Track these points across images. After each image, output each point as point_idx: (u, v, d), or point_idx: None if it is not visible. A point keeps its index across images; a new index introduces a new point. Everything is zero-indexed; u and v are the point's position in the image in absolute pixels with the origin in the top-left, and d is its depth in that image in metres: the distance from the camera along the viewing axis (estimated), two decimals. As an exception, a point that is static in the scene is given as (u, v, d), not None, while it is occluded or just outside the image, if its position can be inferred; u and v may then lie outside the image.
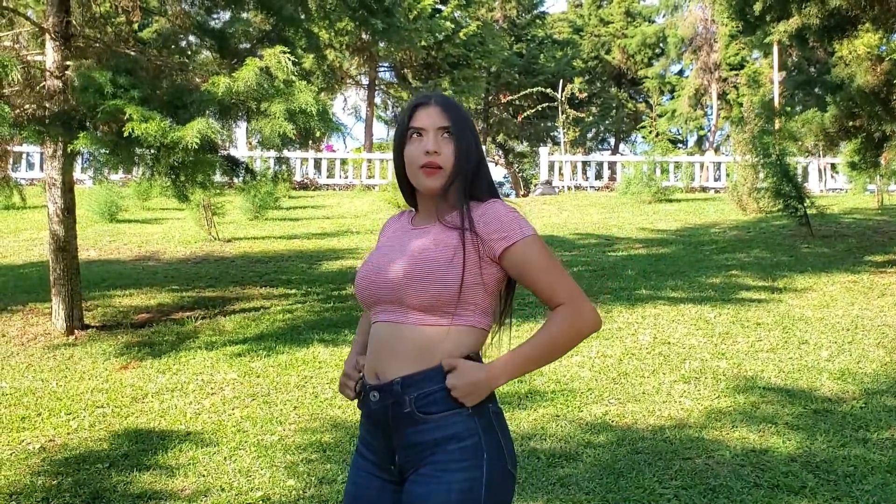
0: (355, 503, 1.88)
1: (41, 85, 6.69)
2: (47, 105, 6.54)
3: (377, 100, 27.50)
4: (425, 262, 1.79)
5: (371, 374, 1.85)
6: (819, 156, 17.78)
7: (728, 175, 18.17)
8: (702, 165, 20.52)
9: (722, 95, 31.24)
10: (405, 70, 25.07)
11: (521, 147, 36.03)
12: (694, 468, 3.91)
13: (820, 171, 19.01)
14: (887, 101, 8.62)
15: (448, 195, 1.87)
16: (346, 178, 20.07)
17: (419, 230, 1.89)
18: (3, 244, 11.40)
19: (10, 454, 4.33)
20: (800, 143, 10.02)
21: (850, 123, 9.05)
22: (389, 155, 21.07)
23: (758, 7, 8.77)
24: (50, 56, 6.63)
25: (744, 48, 28.52)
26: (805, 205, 10.65)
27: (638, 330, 6.45)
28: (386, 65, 26.11)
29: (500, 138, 34.89)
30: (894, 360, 5.55)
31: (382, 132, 34.44)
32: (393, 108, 29.89)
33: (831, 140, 9.44)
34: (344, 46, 22.60)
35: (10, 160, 13.58)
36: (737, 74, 30.40)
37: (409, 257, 1.82)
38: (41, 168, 17.44)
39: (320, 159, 20.09)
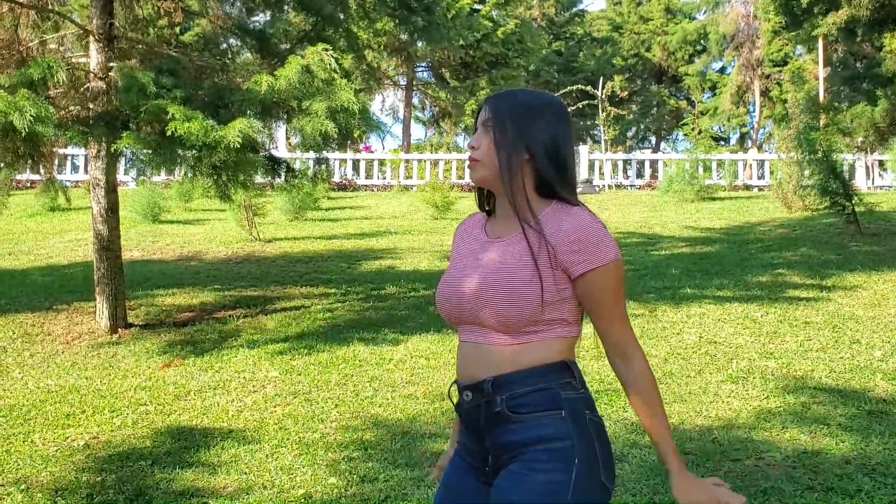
0: (448, 496, 1.86)
1: (85, 86, 6.77)
2: (91, 106, 6.61)
3: (415, 100, 27.54)
4: (502, 282, 1.74)
5: (464, 377, 1.82)
6: (867, 152, 17.37)
7: (772, 173, 17.84)
8: (745, 163, 20.19)
9: (765, 92, 30.75)
10: (443, 70, 25.04)
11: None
12: (744, 470, 3.81)
13: (867, 167, 18.59)
14: (940, 94, 8.38)
15: (519, 199, 1.79)
16: (385, 178, 20.10)
17: (495, 242, 1.83)
18: (49, 245, 11.59)
19: (56, 450, 4.37)
20: (848, 138, 9.78)
21: (902, 118, 8.81)
22: (427, 155, 21.09)
23: (804, 0, 8.57)
24: (94, 58, 6.70)
25: (787, 44, 28.02)
26: (853, 202, 10.40)
27: (683, 329, 6.33)
28: (423, 65, 26.11)
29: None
30: (951, 361, 5.36)
31: (420, 133, 34.52)
32: (430, 108, 29.89)
33: (882, 135, 9.21)
34: (382, 47, 22.64)
35: (56, 162, 13.83)
36: (780, 71, 29.89)
37: (486, 275, 1.77)
38: (85, 170, 17.74)
39: (358, 160, 20.14)
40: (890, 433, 4.18)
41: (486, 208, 1.93)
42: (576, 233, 1.72)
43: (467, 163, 1.84)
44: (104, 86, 6.59)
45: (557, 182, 1.79)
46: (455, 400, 1.85)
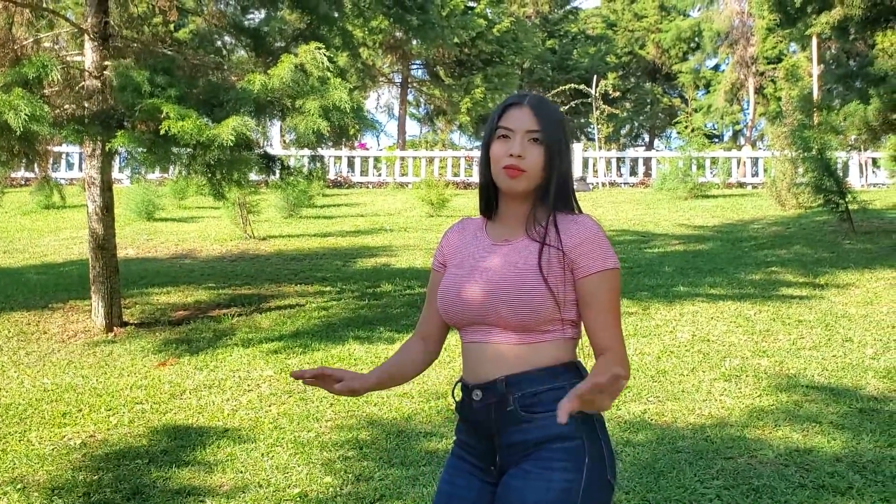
0: (451, 499, 1.87)
1: (80, 85, 6.77)
2: (86, 105, 6.62)
3: (409, 97, 27.51)
4: (516, 282, 1.77)
5: (473, 376, 1.83)
6: (860, 150, 17.43)
7: (766, 170, 17.90)
8: (739, 161, 20.23)
9: (759, 90, 30.78)
10: (437, 67, 25.03)
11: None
12: (736, 468, 3.84)
13: (861, 165, 18.65)
14: (932, 93, 8.43)
15: (537, 205, 1.83)
16: (380, 175, 20.10)
17: (503, 245, 1.85)
18: (44, 243, 11.58)
19: (52, 449, 4.38)
20: (841, 136, 9.82)
21: (894, 116, 8.85)
22: (422, 153, 21.08)
23: (798, -1, 8.61)
24: (89, 56, 6.70)
25: (781, 41, 28.05)
26: (846, 200, 10.44)
27: (676, 327, 6.36)
28: (418, 62, 26.10)
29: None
30: (942, 358, 5.40)
31: (415, 130, 34.49)
32: (425, 105, 29.89)
33: (874, 133, 9.25)
34: (377, 44, 22.63)
35: (51, 160, 13.80)
36: (774, 68, 29.92)
37: (501, 278, 1.79)
38: (80, 168, 17.71)
39: (353, 157, 20.14)
40: (881, 431, 4.22)
41: (488, 211, 1.93)
42: (584, 236, 1.78)
43: (505, 168, 1.80)
44: (99, 84, 6.59)
45: (572, 193, 1.87)
46: (458, 399, 1.86)
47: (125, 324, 7.08)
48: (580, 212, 1.86)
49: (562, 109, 1.97)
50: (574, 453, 1.72)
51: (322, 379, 1.88)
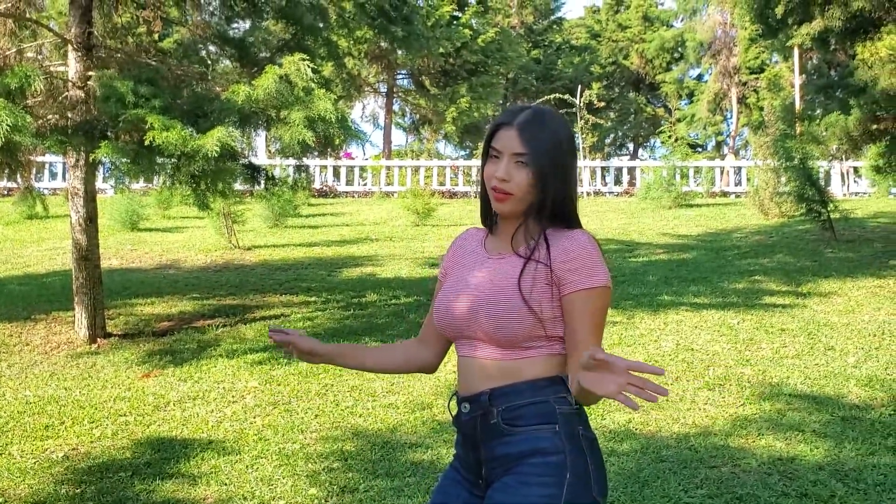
0: None
1: (63, 95, 6.74)
2: (70, 115, 6.59)
3: (395, 107, 27.55)
4: (495, 297, 1.77)
5: (463, 389, 1.85)
6: (842, 160, 17.60)
7: (749, 179, 18.02)
8: (722, 170, 20.38)
9: (741, 99, 31.03)
10: (423, 77, 25.09)
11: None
12: (720, 476, 3.86)
13: (843, 174, 18.83)
14: (912, 103, 8.52)
15: (529, 222, 1.82)
16: (365, 185, 20.10)
17: (495, 259, 1.85)
18: (27, 254, 11.50)
19: (34, 462, 4.34)
20: (823, 146, 9.92)
21: (874, 126, 8.95)
22: (408, 162, 21.11)
23: (779, 10, 8.70)
24: (72, 66, 6.68)
25: (764, 52, 28.31)
26: (828, 209, 10.54)
27: (660, 336, 6.39)
28: (404, 72, 26.15)
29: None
30: (923, 367, 5.46)
31: (401, 139, 34.51)
32: (411, 114, 29.93)
33: (855, 143, 9.34)
34: (362, 54, 22.66)
35: (34, 170, 13.72)
36: (757, 78, 30.18)
37: (485, 292, 1.79)
38: (64, 178, 17.60)
39: (339, 167, 20.14)
40: (863, 439, 4.26)
41: (488, 223, 1.94)
42: (573, 252, 1.75)
43: (492, 190, 1.81)
44: (83, 95, 6.57)
45: (568, 208, 1.84)
46: (454, 412, 1.88)
47: (109, 335, 7.04)
48: (579, 227, 1.84)
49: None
50: (555, 468, 1.71)
51: (290, 345, 1.99)
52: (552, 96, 24.45)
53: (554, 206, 1.81)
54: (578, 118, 22.72)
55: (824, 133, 9.24)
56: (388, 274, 9.60)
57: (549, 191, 1.80)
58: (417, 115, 28.43)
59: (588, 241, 1.78)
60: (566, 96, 23.01)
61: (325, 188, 19.36)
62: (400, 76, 26.38)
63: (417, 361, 2.05)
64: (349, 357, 2.06)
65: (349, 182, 20.11)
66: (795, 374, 5.36)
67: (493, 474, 1.78)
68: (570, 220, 1.83)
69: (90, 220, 6.98)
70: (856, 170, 18.81)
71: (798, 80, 21.47)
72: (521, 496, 1.70)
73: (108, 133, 6.24)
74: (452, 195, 18.96)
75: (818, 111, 10.46)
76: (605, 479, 1.80)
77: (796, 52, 20.04)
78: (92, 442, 4.64)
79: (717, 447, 4.22)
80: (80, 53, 6.65)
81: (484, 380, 1.79)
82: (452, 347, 1.97)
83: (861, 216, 12.90)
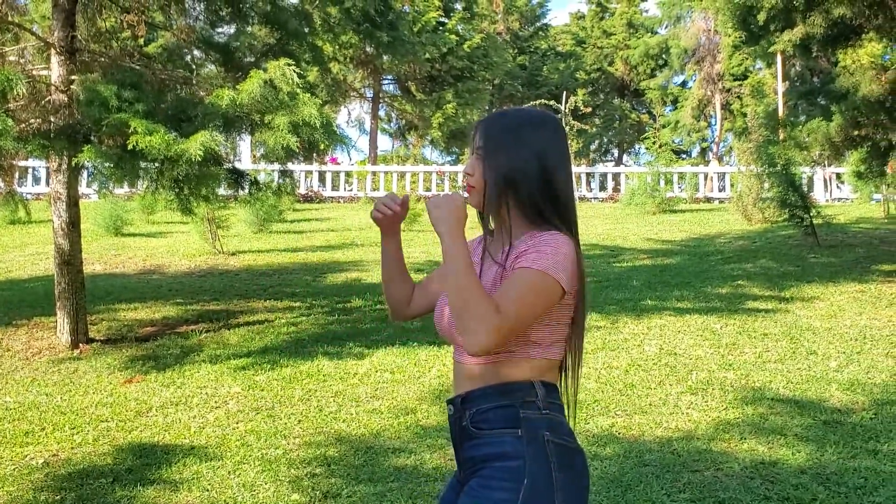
0: None
1: (46, 99, 6.70)
2: (52, 119, 6.55)
3: (381, 112, 27.56)
4: None
5: (453, 391, 1.87)
6: (824, 165, 17.75)
7: (732, 185, 18.15)
8: (706, 176, 20.49)
9: (725, 106, 31.26)
10: (409, 82, 25.11)
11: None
12: (703, 481, 3.87)
13: (825, 180, 18.98)
14: (892, 109, 8.60)
15: (509, 223, 1.79)
16: (351, 190, 20.08)
17: (487, 265, 1.84)
18: (9, 258, 11.41)
19: (14, 469, 4.30)
20: (805, 152, 10.00)
21: (856, 133, 9.03)
22: (394, 167, 21.09)
23: (761, 17, 8.76)
24: (55, 70, 6.64)
25: (747, 58, 28.54)
26: (811, 214, 10.62)
27: (644, 341, 6.41)
28: (390, 77, 26.16)
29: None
30: (903, 371, 5.50)
31: (387, 144, 34.51)
32: (397, 120, 29.93)
33: (836, 149, 9.41)
34: (348, 59, 22.65)
35: (16, 175, 13.62)
36: (740, 85, 30.43)
37: None
38: (47, 183, 17.49)
39: (325, 172, 20.11)
40: (844, 443, 4.28)
41: (490, 228, 1.92)
42: (529, 245, 1.72)
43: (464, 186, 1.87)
44: (66, 99, 6.53)
45: (548, 209, 1.77)
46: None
47: (91, 340, 6.99)
48: (559, 230, 1.76)
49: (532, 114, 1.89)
50: (513, 473, 1.68)
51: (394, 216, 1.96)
52: (538, 102, 24.56)
53: (525, 205, 1.78)
54: (564, 124, 22.82)
55: (807, 139, 9.31)
56: (373, 279, 9.59)
57: (515, 186, 1.77)
58: (403, 121, 28.44)
59: (551, 238, 1.72)
60: (552, 102, 23.12)
61: (310, 193, 19.33)
62: (386, 81, 26.39)
63: (404, 299, 2.04)
64: (396, 265, 2.04)
65: (335, 187, 20.08)
66: (778, 379, 5.39)
67: (466, 476, 1.79)
68: (549, 221, 1.77)
69: (73, 225, 6.93)
70: (838, 176, 18.97)
71: (781, 86, 21.65)
72: (483, 499, 1.70)
73: (92, 137, 6.21)
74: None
75: (801, 117, 10.54)
76: (580, 488, 1.75)
77: (779, 58, 20.24)
78: (72, 448, 4.60)
79: (699, 451, 4.23)
80: (63, 57, 6.62)
81: (461, 383, 1.81)
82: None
83: (843, 222, 13.01)
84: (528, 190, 1.77)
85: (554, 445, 1.72)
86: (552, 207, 1.78)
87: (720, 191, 19.88)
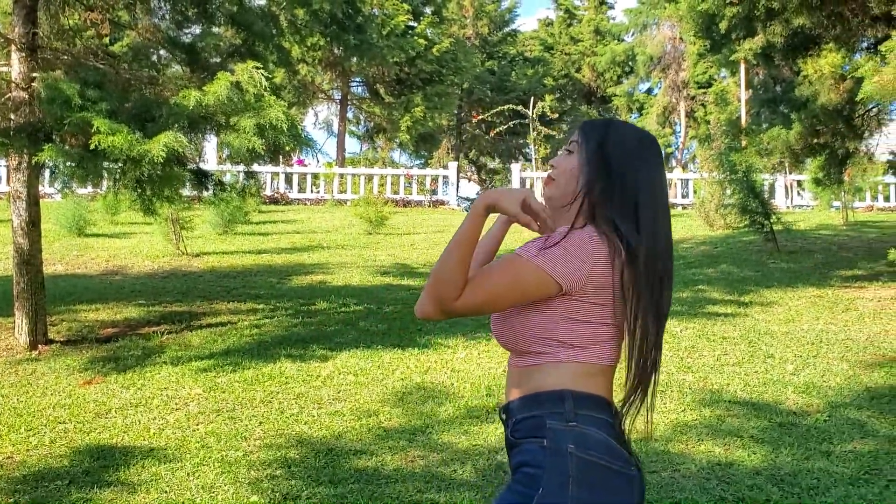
0: None
1: (6, 96, 6.61)
2: (12, 117, 6.46)
3: (349, 114, 27.48)
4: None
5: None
6: (786, 173, 18.04)
7: (696, 192, 18.37)
8: (670, 182, 20.73)
9: (690, 113, 31.64)
10: (377, 85, 25.08)
11: (494, 163, 36.19)
12: (660, 481, 3.93)
13: (787, 187, 19.27)
14: (850, 118, 8.79)
15: (569, 221, 1.79)
16: (318, 192, 20.00)
17: None
18: (-33, 258, 11.20)
19: (-32, 471, 4.24)
20: (766, 159, 10.17)
21: (815, 140, 9.21)
22: (361, 170, 21.06)
23: (723, 25, 8.91)
24: (15, 67, 6.55)
25: (712, 66, 28.92)
26: (771, 221, 10.80)
27: (606, 344, 6.47)
28: (358, 80, 26.11)
29: (472, 154, 35.04)
30: (858, 374, 5.62)
31: (354, 147, 34.41)
32: (365, 122, 29.88)
33: (796, 157, 9.60)
34: (316, 61, 22.58)
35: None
36: (705, 93, 30.83)
37: None
38: (7, 181, 17.19)
39: (291, 174, 20.01)
40: (798, 444, 4.37)
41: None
42: (553, 238, 1.71)
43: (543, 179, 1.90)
44: (26, 96, 6.45)
45: (595, 213, 1.77)
46: None
47: (50, 341, 6.90)
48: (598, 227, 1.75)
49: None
50: (532, 480, 1.68)
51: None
52: (506, 107, 24.67)
53: (586, 202, 1.78)
54: (531, 129, 22.93)
55: (768, 146, 9.47)
56: (338, 282, 9.57)
57: (585, 180, 1.79)
58: (372, 124, 28.39)
59: (570, 233, 1.70)
60: (520, 107, 23.23)
61: (276, 195, 19.22)
62: (354, 84, 26.34)
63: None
64: (496, 246, 2.06)
65: (301, 189, 19.98)
66: (735, 381, 5.48)
67: None
68: (593, 219, 1.77)
69: (33, 224, 6.84)
70: (799, 183, 19.27)
71: (744, 94, 21.98)
72: (500, 499, 1.74)
73: (53, 136, 6.14)
74: (406, 203, 18.97)
75: (764, 125, 10.71)
76: (598, 502, 1.67)
77: (742, 67, 20.54)
78: (28, 450, 4.54)
79: (657, 452, 4.29)
80: (23, 54, 6.53)
81: (510, 389, 1.83)
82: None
83: (803, 228, 13.24)
84: (613, 202, 1.76)
85: (577, 459, 1.67)
86: (590, 208, 1.78)
87: (683, 197, 20.12)
